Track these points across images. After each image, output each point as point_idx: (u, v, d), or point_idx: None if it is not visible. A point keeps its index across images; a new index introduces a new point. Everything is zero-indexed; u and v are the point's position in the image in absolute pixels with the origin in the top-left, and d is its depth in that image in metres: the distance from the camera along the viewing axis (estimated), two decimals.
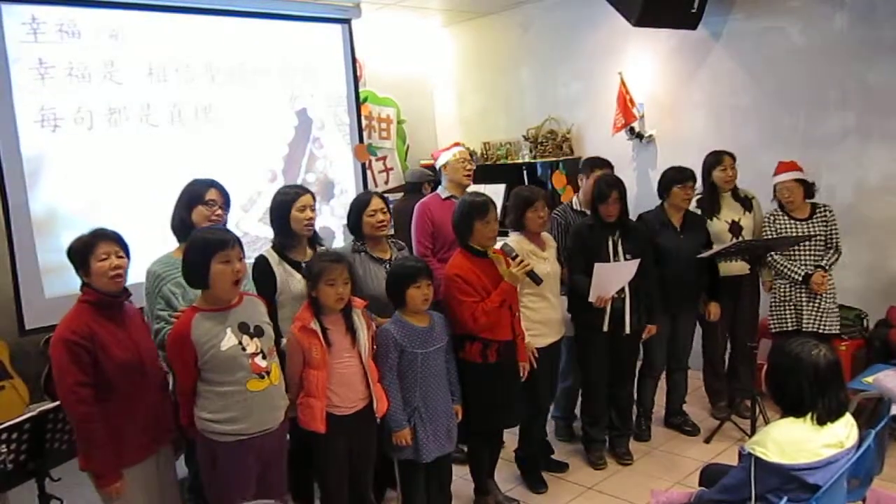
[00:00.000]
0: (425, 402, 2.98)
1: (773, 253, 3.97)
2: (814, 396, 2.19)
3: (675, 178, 3.94)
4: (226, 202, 3.11)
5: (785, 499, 2.15)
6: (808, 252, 3.91)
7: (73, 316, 2.50)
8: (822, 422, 2.19)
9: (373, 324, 2.98)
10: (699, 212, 4.14)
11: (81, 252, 2.50)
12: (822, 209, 3.94)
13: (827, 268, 3.88)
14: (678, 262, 3.86)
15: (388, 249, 3.34)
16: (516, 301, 3.32)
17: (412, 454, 2.99)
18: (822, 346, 2.26)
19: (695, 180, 3.96)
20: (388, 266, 3.24)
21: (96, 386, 2.45)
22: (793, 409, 2.24)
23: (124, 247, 2.56)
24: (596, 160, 4.22)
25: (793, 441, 2.18)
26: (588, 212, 3.94)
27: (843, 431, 2.24)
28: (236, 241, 2.55)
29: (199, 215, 3.00)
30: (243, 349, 2.52)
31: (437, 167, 4.12)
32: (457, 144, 4.18)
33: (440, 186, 4.08)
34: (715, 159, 4.13)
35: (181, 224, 3.01)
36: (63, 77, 4.24)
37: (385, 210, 3.28)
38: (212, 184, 3.08)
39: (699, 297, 4.13)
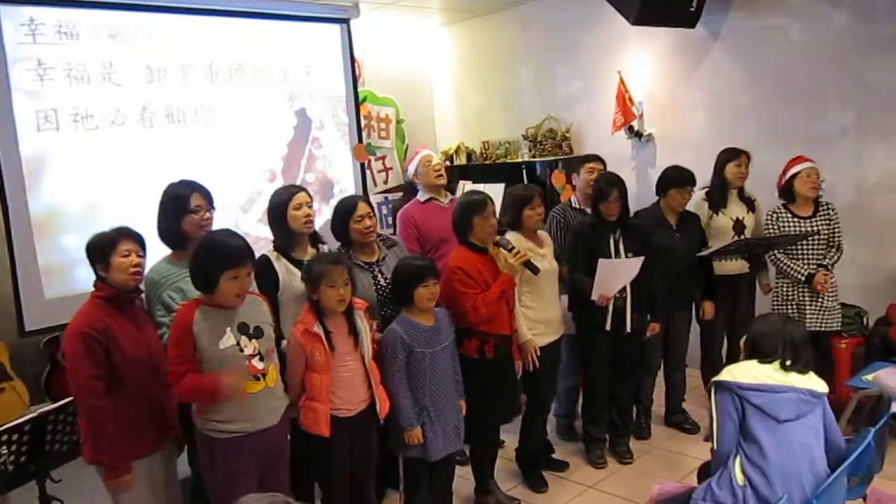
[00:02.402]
0: (434, 401, 2.99)
1: (776, 251, 3.96)
2: (785, 349, 2.39)
3: (675, 180, 3.93)
4: (210, 202, 3.02)
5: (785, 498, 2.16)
6: (810, 250, 3.90)
7: (87, 310, 2.56)
8: (784, 367, 2.38)
9: (373, 325, 2.98)
10: (706, 204, 4.14)
11: (104, 247, 2.58)
12: (826, 207, 3.92)
13: (830, 267, 3.87)
14: (673, 260, 3.86)
15: (375, 251, 3.31)
16: (513, 297, 3.35)
17: (420, 452, 3.00)
18: (788, 317, 2.58)
19: (694, 184, 3.96)
20: (374, 269, 3.24)
21: (108, 380, 2.50)
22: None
23: (144, 246, 2.67)
24: (586, 156, 4.27)
25: (746, 369, 2.41)
26: (588, 210, 3.95)
27: (801, 380, 2.39)
28: (250, 256, 2.56)
29: (190, 225, 2.92)
30: (241, 350, 2.53)
31: (410, 177, 4.11)
32: (420, 150, 4.15)
33: (419, 192, 4.06)
34: (732, 154, 4.11)
35: (170, 233, 2.95)
36: (62, 78, 4.23)
37: (372, 214, 3.24)
38: (193, 188, 2.97)
39: (693, 295, 4.14)
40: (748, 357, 2.47)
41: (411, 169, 4.06)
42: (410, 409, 2.94)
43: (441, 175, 3.98)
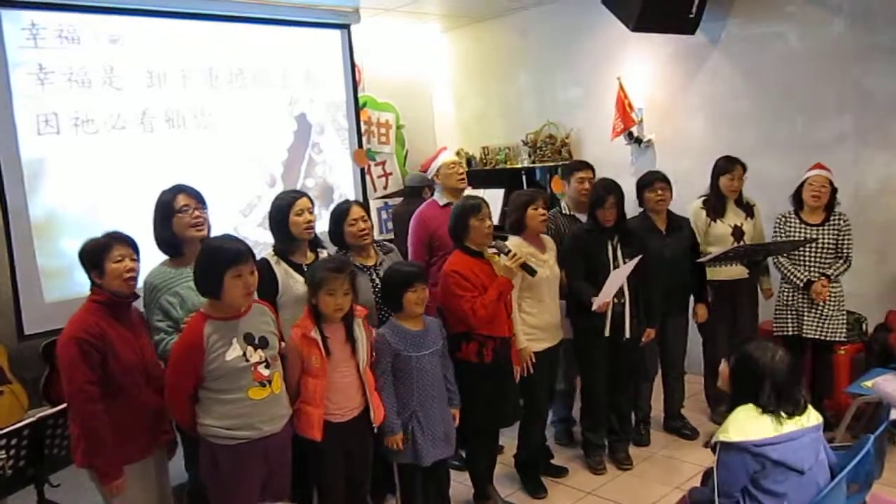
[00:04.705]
0: (422, 406, 3.00)
1: (780, 256, 3.96)
2: (776, 400, 2.23)
3: (643, 183, 3.95)
4: (200, 201, 2.98)
5: None
6: (815, 258, 3.88)
7: (83, 315, 2.55)
8: (781, 422, 2.22)
9: (373, 332, 2.98)
10: (704, 212, 4.14)
11: (96, 253, 2.56)
12: (837, 217, 3.88)
13: (832, 277, 3.85)
14: (665, 265, 3.85)
15: (372, 255, 3.32)
16: (510, 300, 3.36)
17: (411, 457, 3.00)
18: (779, 350, 2.30)
19: (663, 180, 3.95)
20: (372, 273, 3.25)
21: (103, 385, 2.50)
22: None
23: (137, 251, 2.64)
24: (575, 163, 4.28)
25: (755, 422, 2.21)
26: (576, 215, 3.96)
27: (806, 416, 2.26)
28: (249, 255, 2.55)
29: (179, 225, 2.90)
30: (246, 360, 2.53)
31: (430, 176, 4.13)
32: (442, 150, 4.17)
33: (436, 193, 4.07)
34: (726, 167, 4.08)
35: (163, 240, 2.93)
36: (63, 82, 4.25)
37: (366, 218, 3.26)
38: (178, 190, 2.95)
39: (688, 300, 4.15)
40: (735, 394, 2.32)
41: (433, 167, 4.04)
42: (393, 415, 2.95)
43: (463, 179, 4.01)
